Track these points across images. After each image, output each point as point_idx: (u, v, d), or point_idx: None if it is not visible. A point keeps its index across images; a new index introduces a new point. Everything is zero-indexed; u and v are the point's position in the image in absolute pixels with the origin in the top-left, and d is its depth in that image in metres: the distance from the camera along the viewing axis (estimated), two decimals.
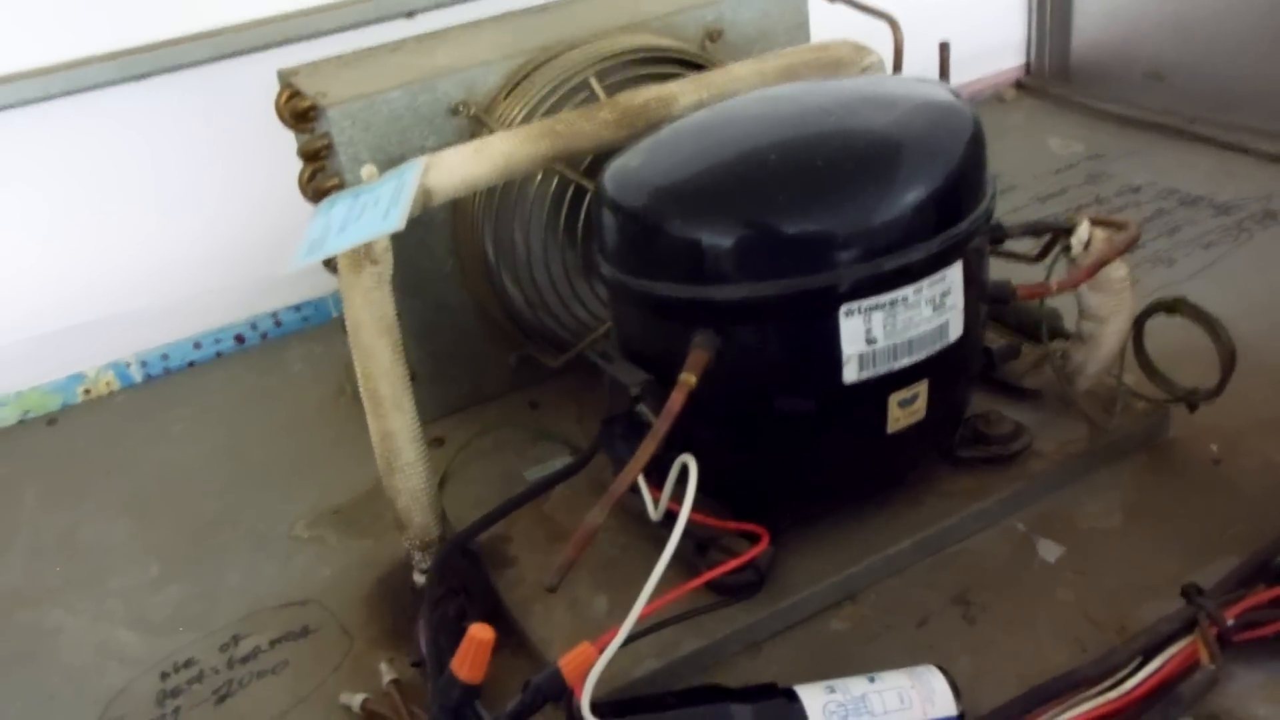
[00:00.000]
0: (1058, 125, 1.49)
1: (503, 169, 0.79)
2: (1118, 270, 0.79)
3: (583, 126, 0.82)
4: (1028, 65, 1.66)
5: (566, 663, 0.55)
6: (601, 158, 0.79)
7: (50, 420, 1.20)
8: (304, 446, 1.07)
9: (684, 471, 0.68)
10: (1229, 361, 0.77)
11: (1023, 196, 1.30)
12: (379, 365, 0.76)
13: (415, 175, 0.74)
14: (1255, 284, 1.03)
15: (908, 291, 0.68)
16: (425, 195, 0.76)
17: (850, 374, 0.69)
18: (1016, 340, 0.88)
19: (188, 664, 0.82)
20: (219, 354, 1.28)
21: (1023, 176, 1.35)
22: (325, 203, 0.79)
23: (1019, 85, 1.64)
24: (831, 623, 0.75)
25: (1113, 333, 0.81)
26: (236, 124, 1.19)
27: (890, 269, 0.67)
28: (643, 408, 0.74)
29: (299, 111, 0.95)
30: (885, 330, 0.68)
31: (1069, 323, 0.87)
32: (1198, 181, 1.26)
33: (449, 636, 0.72)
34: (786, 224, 0.67)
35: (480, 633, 0.50)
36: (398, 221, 0.69)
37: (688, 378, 0.67)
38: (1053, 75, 1.63)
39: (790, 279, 0.67)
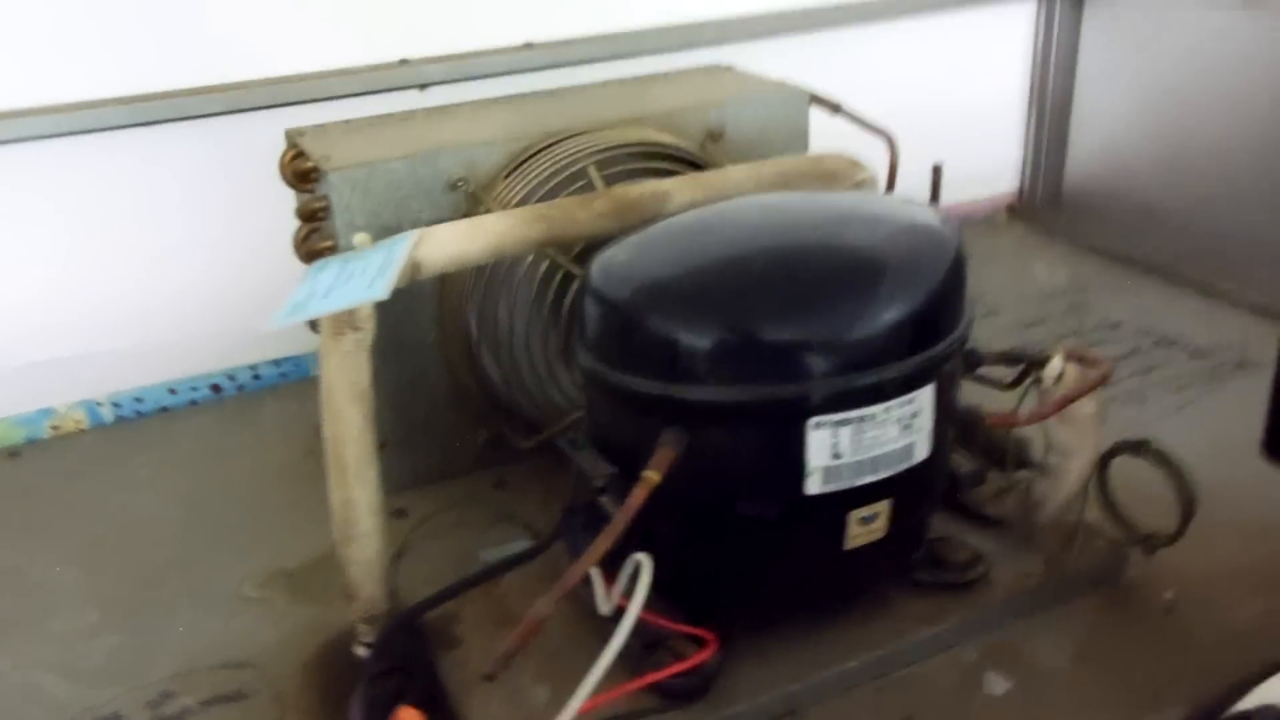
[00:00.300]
0: (1045, 253, 1.52)
1: (494, 248, 0.80)
2: (1086, 407, 0.80)
3: (577, 214, 0.83)
4: (1021, 191, 1.70)
5: None
6: (593, 246, 0.80)
7: (12, 453, 1.18)
8: (264, 504, 1.06)
9: (637, 569, 0.67)
10: (1189, 510, 0.78)
11: (1005, 320, 1.32)
12: (348, 431, 0.76)
13: (406, 247, 0.75)
14: (1225, 430, 1.04)
15: (877, 409, 0.69)
16: (414, 268, 0.77)
17: (813, 486, 0.69)
18: (983, 466, 0.89)
19: (112, 718, 0.80)
20: (193, 402, 1.27)
21: (1007, 300, 1.37)
22: (315, 266, 0.79)
23: (1011, 210, 1.67)
24: None
25: (1077, 468, 0.81)
26: (239, 177, 1.20)
27: (862, 385, 0.68)
28: (606, 500, 0.74)
29: (301, 172, 0.97)
30: (852, 446, 0.69)
31: (1037, 452, 0.88)
32: (1177, 323, 1.28)
33: (382, 715, 0.71)
34: (764, 331, 0.68)
35: (408, 716, 0.49)
36: (382, 291, 0.70)
37: (652, 475, 0.67)
38: (1044, 203, 1.66)
39: (762, 386, 0.67)
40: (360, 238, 0.80)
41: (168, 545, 1.00)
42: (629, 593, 0.68)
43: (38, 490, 1.11)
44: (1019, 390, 0.83)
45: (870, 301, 0.69)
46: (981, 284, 1.45)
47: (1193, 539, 0.80)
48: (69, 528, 1.04)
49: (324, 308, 0.70)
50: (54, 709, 0.81)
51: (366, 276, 0.73)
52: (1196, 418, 1.08)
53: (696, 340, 0.68)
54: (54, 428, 1.22)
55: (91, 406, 1.23)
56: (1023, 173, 1.69)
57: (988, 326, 1.30)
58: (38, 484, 1.12)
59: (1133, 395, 1.13)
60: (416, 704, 0.66)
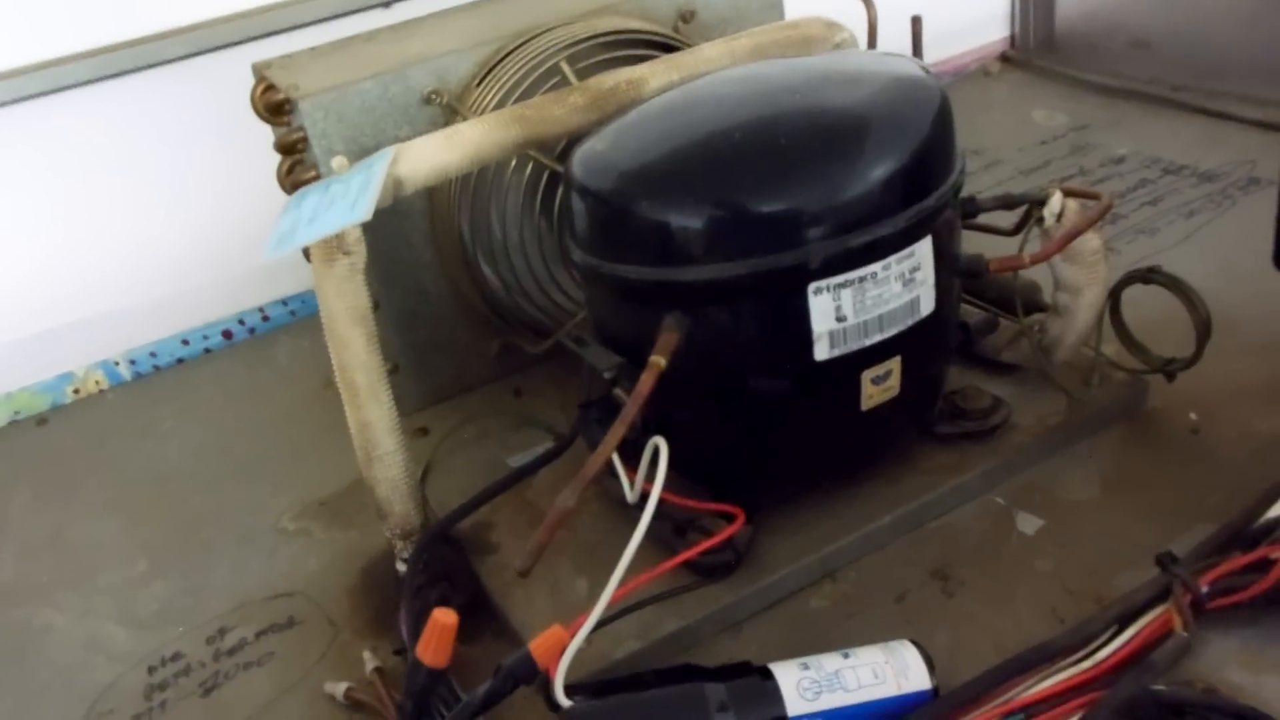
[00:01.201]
0: (1042, 97, 1.49)
1: (473, 156, 0.79)
2: (1091, 241, 0.79)
3: (553, 111, 0.81)
4: (1012, 38, 1.65)
5: (537, 645, 0.55)
6: (575, 142, 0.79)
7: (40, 420, 1.20)
8: (290, 440, 1.07)
9: (656, 453, 0.68)
10: (1204, 330, 0.77)
11: (1007, 170, 1.29)
12: (354, 356, 0.77)
13: (384, 165, 0.74)
14: (1237, 251, 1.03)
15: (876, 268, 0.68)
16: (396, 185, 0.76)
17: (821, 352, 0.69)
18: (993, 314, 0.88)
19: (175, 658, 0.82)
20: (207, 350, 1.28)
21: (1007, 150, 1.34)
22: (296, 195, 0.79)
23: (1004, 58, 1.63)
24: (811, 601, 0.75)
25: (1088, 304, 0.81)
26: (215, 119, 1.19)
27: (858, 245, 0.67)
28: (618, 391, 0.74)
29: (273, 105, 0.95)
30: (855, 307, 0.68)
31: (1047, 296, 0.87)
32: (1182, 150, 1.25)
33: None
34: (752, 203, 0.67)
35: (443, 617, 0.50)
36: (365, 212, 0.69)
37: (657, 360, 0.67)
38: (1038, 47, 1.62)
39: (757, 258, 0.67)
40: (338, 161, 0.79)
41: (202, 490, 1.02)
42: (651, 477, 0.68)
43: (69, 452, 1.13)
44: (1023, 235, 0.82)
45: (857, 159, 0.68)
46: (980, 136, 1.44)
47: (1211, 361, 0.80)
48: (104, 484, 1.06)
49: (310, 234, 0.70)
50: (119, 656, 0.83)
51: (348, 199, 0.72)
52: (1208, 241, 1.07)
53: (686, 221, 0.67)
54: (75, 391, 1.23)
55: (109, 366, 1.24)
56: (1013, 18, 1.64)
57: (989, 177, 1.28)
58: (68, 446, 1.14)
59: (1143, 226, 1.11)
60: (460, 608, 0.68)
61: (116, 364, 1.25)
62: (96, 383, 1.24)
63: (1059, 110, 1.43)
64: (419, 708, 0.51)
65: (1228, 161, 1.20)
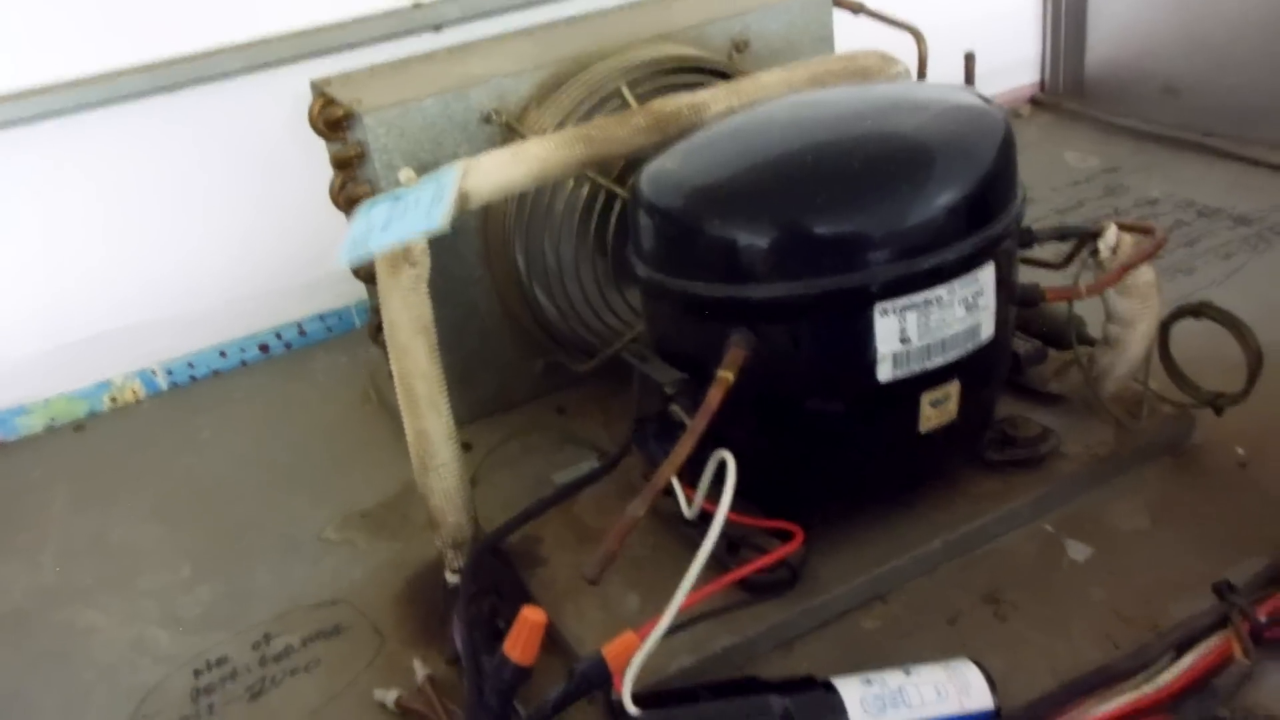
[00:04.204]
0: (1073, 140, 1.51)
1: (538, 173, 0.80)
2: (1145, 275, 0.80)
3: (617, 132, 0.83)
4: (1042, 82, 1.68)
5: (610, 649, 0.55)
6: (631, 165, 0.80)
7: (77, 427, 1.21)
8: (330, 452, 1.08)
9: (721, 469, 0.68)
10: (1256, 363, 0.78)
11: (1042, 209, 1.31)
12: (416, 365, 0.77)
13: (455, 177, 0.75)
14: (1276, 291, 1.04)
15: (941, 291, 0.69)
16: (462, 198, 0.77)
17: (884, 373, 0.70)
18: (1043, 345, 0.89)
19: (220, 662, 0.82)
20: (244, 363, 1.29)
21: (1040, 190, 1.36)
22: (366, 204, 0.80)
23: (1034, 101, 1.65)
24: (863, 621, 0.76)
25: (1139, 336, 0.82)
26: (265, 135, 1.21)
27: (924, 269, 0.68)
28: (676, 407, 0.75)
29: (333, 120, 0.97)
30: (919, 330, 0.69)
31: (1094, 329, 0.88)
32: (1215, 194, 1.27)
33: (483, 633, 0.73)
34: (823, 224, 0.68)
35: (533, 614, 0.50)
36: (441, 220, 0.70)
37: (725, 374, 0.67)
38: (1067, 91, 1.64)
39: (826, 278, 0.68)
40: (406, 173, 0.81)
41: (242, 499, 1.02)
42: (712, 494, 0.69)
43: (107, 459, 1.13)
44: (1072, 268, 0.83)
45: (926, 184, 0.69)
46: None
47: (1256, 399, 0.81)
48: (143, 491, 1.06)
49: (385, 240, 0.71)
50: (164, 658, 0.83)
51: (421, 209, 0.73)
52: (1247, 281, 1.08)
53: (755, 239, 0.68)
54: (112, 399, 1.24)
55: (146, 375, 1.25)
56: (1043, 62, 1.67)
57: (1026, 216, 1.29)
58: (106, 453, 1.15)
59: (1180, 266, 1.12)
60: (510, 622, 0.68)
61: (154, 374, 1.25)
62: (133, 392, 1.25)
63: (1090, 153, 1.45)
64: (504, 704, 0.51)
65: (1261, 206, 1.22)
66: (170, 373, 1.26)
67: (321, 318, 1.32)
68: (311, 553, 0.93)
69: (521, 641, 0.50)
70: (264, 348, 1.30)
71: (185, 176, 1.22)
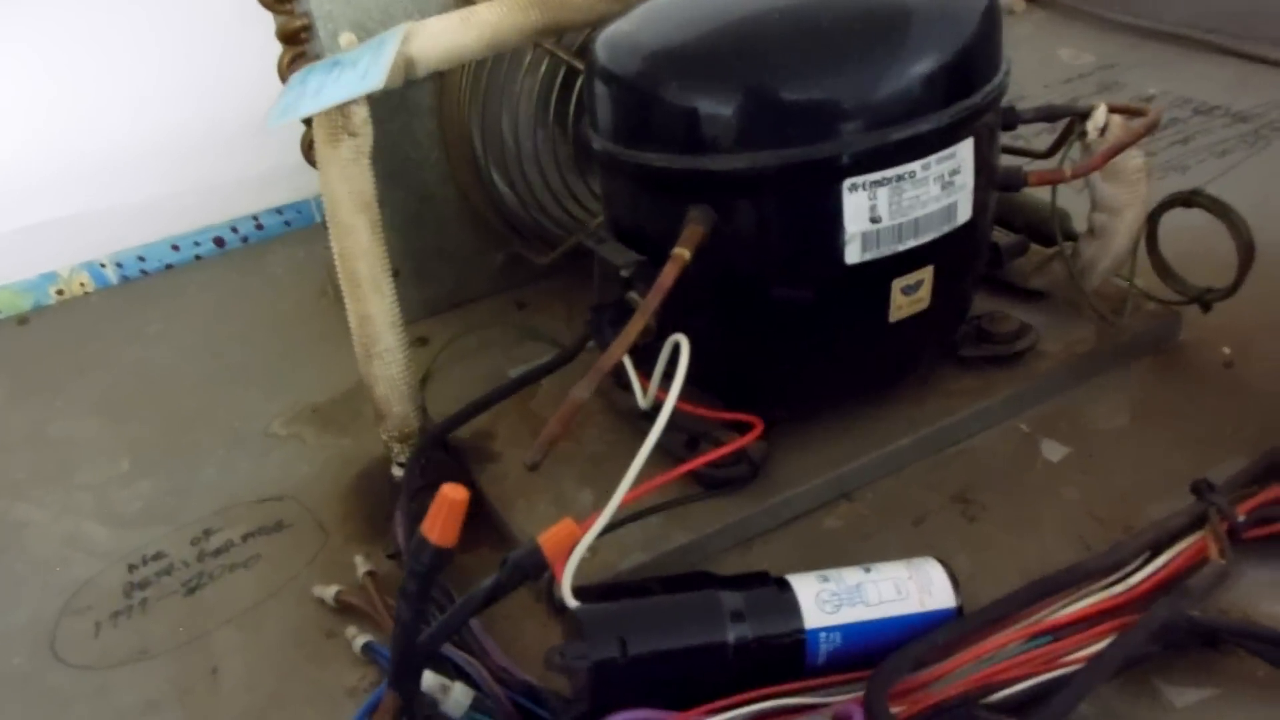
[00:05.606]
0: (1068, 36, 1.44)
1: (490, 40, 0.75)
2: (1134, 159, 0.75)
3: None
4: None
5: (547, 539, 0.52)
6: (594, 37, 0.74)
7: (21, 319, 1.16)
8: (283, 346, 1.03)
9: (674, 354, 0.64)
10: (1247, 254, 0.74)
11: (1033, 106, 1.25)
12: (357, 244, 0.73)
13: (396, 41, 0.70)
14: (1272, 190, 0.99)
15: (915, 167, 0.64)
16: (408, 65, 0.71)
17: (852, 255, 0.65)
18: (1024, 238, 0.84)
19: (156, 556, 0.79)
20: (197, 257, 1.24)
21: (1033, 87, 1.30)
22: (301, 72, 0.74)
23: None
24: (826, 520, 0.72)
25: (1126, 226, 0.77)
26: (214, 10, 1.13)
27: (897, 141, 0.63)
28: (633, 294, 0.70)
29: None
30: (890, 208, 0.65)
31: (1078, 224, 0.83)
32: (1214, 91, 1.21)
33: None
34: (789, 90, 0.62)
35: (452, 492, 0.46)
36: (377, 80, 0.65)
37: (681, 252, 0.63)
38: None
39: (791, 149, 0.62)
40: (346, 38, 0.75)
41: (190, 393, 0.98)
42: (666, 383, 0.65)
43: (51, 353, 1.09)
44: (1059, 155, 0.78)
45: (901, 50, 0.64)
46: None
47: (1244, 299, 0.76)
48: (87, 385, 1.02)
49: (317, 104, 0.65)
50: (99, 553, 0.80)
51: (358, 71, 0.67)
52: (1242, 179, 1.03)
53: (717, 106, 0.63)
54: (59, 292, 1.19)
55: (94, 268, 1.20)
56: None
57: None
58: (50, 346, 1.10)
59: (1173, 164, 1.07)
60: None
61: (103, 266, 1.20)
62: (81, 284, 1.20)
63: (1085, 49, 1.39)
64: (422, 590, 0.48)
65: (1261, 103, 1.16)
66: (120, 265, 1.21)
67: (279, 211, 1.26)
68: (258, 447, 0.90)
69: (440, 521, 0.46)
70: (219, 241, 1.25)
71: (134, 55, 1.15)
